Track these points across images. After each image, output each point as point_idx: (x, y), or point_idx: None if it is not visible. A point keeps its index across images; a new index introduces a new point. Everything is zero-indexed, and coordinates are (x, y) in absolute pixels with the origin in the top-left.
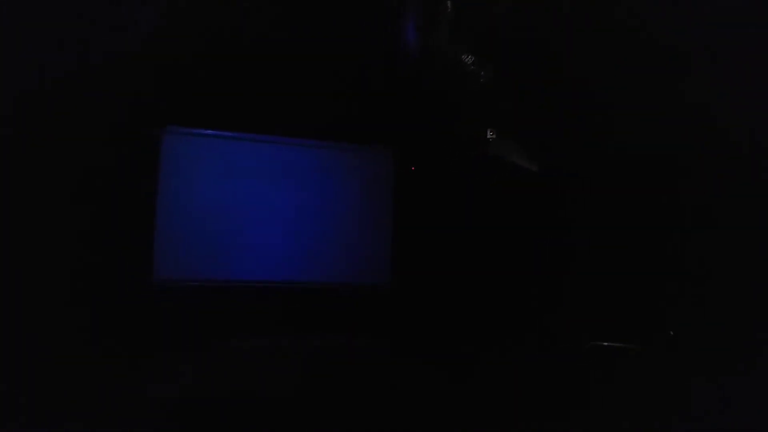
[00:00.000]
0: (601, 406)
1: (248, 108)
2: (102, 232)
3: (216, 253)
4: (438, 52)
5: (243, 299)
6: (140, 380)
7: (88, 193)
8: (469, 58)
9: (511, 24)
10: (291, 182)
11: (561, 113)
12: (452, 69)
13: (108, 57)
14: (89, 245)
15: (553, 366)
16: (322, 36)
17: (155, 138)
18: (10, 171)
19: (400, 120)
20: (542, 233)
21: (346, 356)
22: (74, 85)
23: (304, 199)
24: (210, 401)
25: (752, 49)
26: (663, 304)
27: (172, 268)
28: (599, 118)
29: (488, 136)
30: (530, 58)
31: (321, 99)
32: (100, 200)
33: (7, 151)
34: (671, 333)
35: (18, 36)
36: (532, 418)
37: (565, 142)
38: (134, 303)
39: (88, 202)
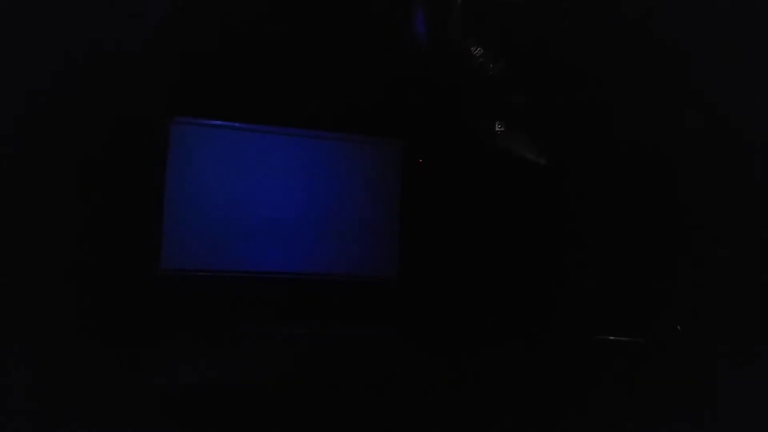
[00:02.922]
0: (607, 401)
1: (257, 99)
2: (109, 221)
3: (224, 244)
4: (447, 43)
5: (250, 290)
6: (147, 370)
7: (96, 183)
8: (478, 51)
9: (520, 16)
10: (299, 173)
11: (571, 107)
12: (461, 61)
13: (117, 46)
14: (96, 235)
15: (558, 360)
16: (330, 27)
17: (164, 128)
18: (19, 161)
19: (408, 112)
20: (550, 227)
21: (351, 347)
22: (83, 74)
23: (312, 191)
24: (215, 391)
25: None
26: (671, 298)
27: (179, 258)
28: (609, 113)
29: (497, 129)
30: (540, 51)
31: (329, 90)
32: (107, 190)
33: (16, 142)
34: (678, 328)
35: (25, 25)
36: (537, 411)
37: (575, 136)
38: (141, 293)
39: (95, 192)
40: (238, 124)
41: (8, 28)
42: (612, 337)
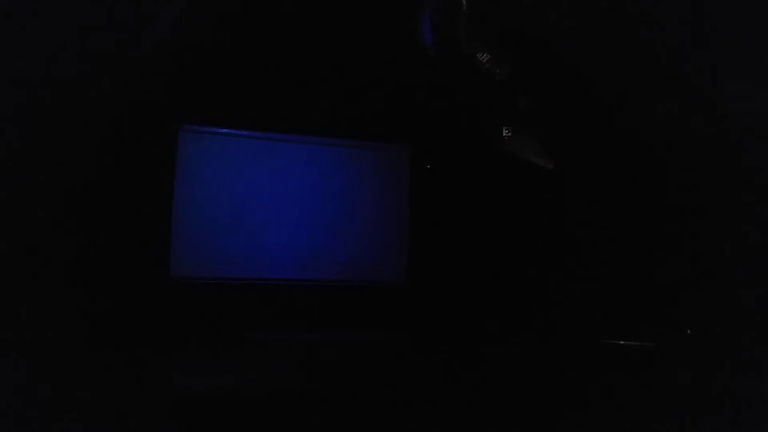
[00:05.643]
0: (616, 404)
1: (264, 106)
2: (118, 230)
3: (232, 251)
4: (454, 49)
5: (259, 297)
6: (155, 376)
7: (105, 191)
8: (484, 56)
9: (526, 21)
10: (307, 180)
11: (576, 111)
12: (468, 67)
13: (125, 55)
14: (105, 243)
15: (567, 363)
16: (338, 34)
17: (171, 136)
18: (29, 169)
19: (416, 118)
20: (557, 231)
21: (361, 353)
22: (92, 83)
23: (320, 197)
24: (224, 396)
25: None
26: (680, 302)
27: (187, 265)
28: (614, 116)
29: (504, 134)
30: (546, 55)
31: (337, 97)
32: (116, 198)
33: (26, 150)
34: (688, 331)
35: (34, 33)
36: (547, 415)
37: (580, 140)
38: (150, 300)
39: (104, 200)
40: (245, 132)
41: (15, 32)
42: (622, 342)
